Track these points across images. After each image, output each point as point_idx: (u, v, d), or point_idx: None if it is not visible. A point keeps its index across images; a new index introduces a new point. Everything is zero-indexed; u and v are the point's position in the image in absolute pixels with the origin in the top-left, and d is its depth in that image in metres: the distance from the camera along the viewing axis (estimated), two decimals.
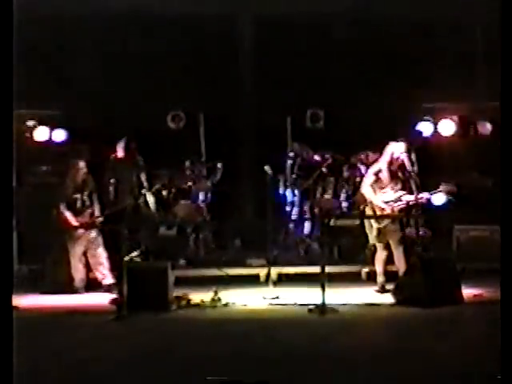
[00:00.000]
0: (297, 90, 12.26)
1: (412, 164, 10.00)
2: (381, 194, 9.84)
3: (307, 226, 11.96)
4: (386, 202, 9.81)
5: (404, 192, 9.83)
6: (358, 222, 11.17)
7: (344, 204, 11.99)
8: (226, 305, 9.14)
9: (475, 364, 6.01)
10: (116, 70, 12.09)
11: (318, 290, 8.58)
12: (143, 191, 11.82)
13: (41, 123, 11.96)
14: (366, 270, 10.98)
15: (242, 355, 6.64)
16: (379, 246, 9.98)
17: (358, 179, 11.78)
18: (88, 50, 12.16)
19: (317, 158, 12.02)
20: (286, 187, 12.12)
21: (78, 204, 10.70)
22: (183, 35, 12.28)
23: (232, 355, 6.63)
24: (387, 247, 9.89)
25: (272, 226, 11.03)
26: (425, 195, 9.84)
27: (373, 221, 9.93)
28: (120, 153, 11.68)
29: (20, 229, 11.42)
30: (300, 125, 12.46)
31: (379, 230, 9.85)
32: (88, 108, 12.01)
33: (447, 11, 11.82)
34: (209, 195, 12.05)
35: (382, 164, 9.91)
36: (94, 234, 10.65)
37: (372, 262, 10.27)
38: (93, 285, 10.60)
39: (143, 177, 11.88)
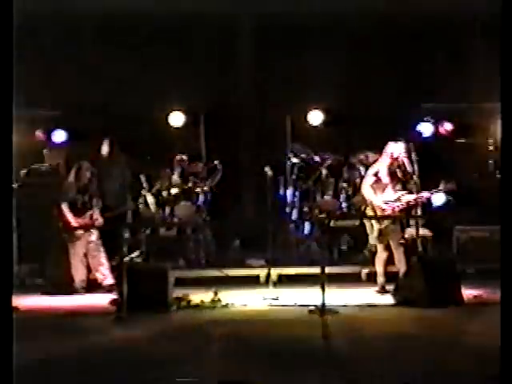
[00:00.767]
0: (297, 90, 12.26)
1: (412, 164, 9.99)
2: (381, 195, 9.84)
3: (307, 226, 11.96)
4: (386, 203, 9.81)
5: (404, 192, 9.83)
6: (357, 222, 11.18)
7: (344, 205, 11.99)
8: (225, 305, 9.13)
9: (475, 364, 6.01)
10: (116, 69, 12.08)
11: (318, 290, 8.57)
12: (143, 192, 11.81)
13: (40, 124, 11.97)
14: (366, 270, 10.97)
15: (241, 356, 6.64)
16: (379, 247, 9.97)
17: (357, 180, 11.80)
18: (87, 49, 12.16)
19: (317, 158, 12.03)
20: (285, 188, 12.13)
21: (79, 205, 10.70)
22: (183, 34, 12.29)
23: (232, 356, 6.63)
24: (387, 248, 9.89)
25: (272, 226, 11.03)
26: (425, 195, 9.84)
27: (373, 221, 9.94)
28: (104, 152, 11.65)
29: (20, 229, 11.42)
30: (300, 125, 12.46)
31: (380, 231, 9.85)
32: (87, 108, 12.00)
33: (447, 10, 11.83)
34: (209, 196, 12.04)
35: (382, 164, 9.91)
36: (94, 234, 10.65)
37: (372, 263, 10.27)
38: (93, 285, 10.59)
39: (143, 177, 11.87)
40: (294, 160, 12.09)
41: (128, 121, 12.07)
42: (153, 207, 11.82)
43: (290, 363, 6.31)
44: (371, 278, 10.49)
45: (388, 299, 9.26)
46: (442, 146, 12.06)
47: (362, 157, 11.90)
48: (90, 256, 10.65)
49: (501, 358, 5.18)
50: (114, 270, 10.30)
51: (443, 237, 11.44)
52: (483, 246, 11.00)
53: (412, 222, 10.38)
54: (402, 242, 9.80)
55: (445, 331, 7.56)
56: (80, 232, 10.61)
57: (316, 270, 8.96)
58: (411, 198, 9.82)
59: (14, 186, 11.08)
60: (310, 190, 12.06)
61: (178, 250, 11.55)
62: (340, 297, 9.32)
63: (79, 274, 10.58)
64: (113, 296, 9.30)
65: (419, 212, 10.40)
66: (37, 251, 11.09)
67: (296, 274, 10.97)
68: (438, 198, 11.09)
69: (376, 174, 9.90)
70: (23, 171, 11.61)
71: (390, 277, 9.82)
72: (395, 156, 9.85)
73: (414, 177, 9.91)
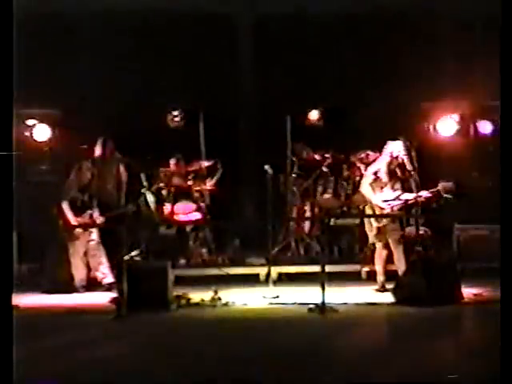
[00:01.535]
0: (297, 90, 12.25)
1: (412, 163, 10.00)
2: (380, 193, 9.84)
3: (307, 225, 11.95)
4: (386, 201, 9.82)
5: (403, 191, 9.83)
6: (357, 221, 11.18)
7: (344, 203, 11.99)
8: (225, 304, 9.13)
9: (475, 364, 6.01)
10: (115, 69, 12.08)
11: (318, 289, 8.59)
12: (143, 190, 11.81)
13: (41, 123, 11.96)
14: (365, 269, 10.97)
15: (241, 354, 6.64)
16: (379, 245, 9.98)
17: (357, 178, 11.80)
18: (87, 48, 12.15)
19: (317, 157, 12.02)
20: (286, 186, 12.12)
21: (79, 204, 10.70)
22: (183, 34, 12.28)
23: (232, 354, 6.64)
24: (387, 246, 9.90)
25: (272, 225, 11.02)
26: (424, 194, 9.85)
27: (372, 220, 9.94)
28: (98, 151, 11.61)
29: (20, 228, 11.41)
30: (300, 125, 12.46)
31: (379, 229, 9.86)
32: (87, 107, 12.00)
33: (447, 8, 11.82)
34: (209, 194, 12.03)
35: (382, 163, 9.92)
36: (93, 233, 10.65)
37: (372, 262, 10.27)
38: (93, 284, 10.59)
39: (143, 176, 11.86)
40: (294, 158, 12.08)
41: (127, 120, 12.06)
42: (153, 206, 11.81)
43: (289, 362, 6.31)
44: (371, 277, 10.49)
45: (388, 297, 9.26)
46: (442, 144, 12.05)
47: (361, 155, 11.91)
48: (89, 255, 10.65)
49: (501, 358, 5.19)
50: (113, 268, 10.30)
51: (443, 235, 11.44)
52: (483, 244, 11.00)
53: (412, 220, 10.39)
54: (401, 240, 9.81)
55: (444, 329, 7.57)
56: (80, 231, 10.61)
57: (316, 268, 8.98)
58: (410, 196, 9.83)
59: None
60: (310, 188, 12.05)
61: (177, 248, 11.54)
62: (340, 295, 9.33)
63: (79, 273, 10.57)
64: (113, 294, 9.30)
65: (419, 211, 10.43)
66: (37, 250, 11.09)
67: (296, 273, 10.97)
68: (438, 196, 11.08)
69: (375, 173, 9.91)
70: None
71: (390, 275, 9.83)
72: (395, 155, 9.86)
73: (414, 176, 9.91)
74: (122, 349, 6.99)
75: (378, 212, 9.86)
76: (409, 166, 9.90)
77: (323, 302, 8.55)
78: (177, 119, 12.30)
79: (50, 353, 6.77)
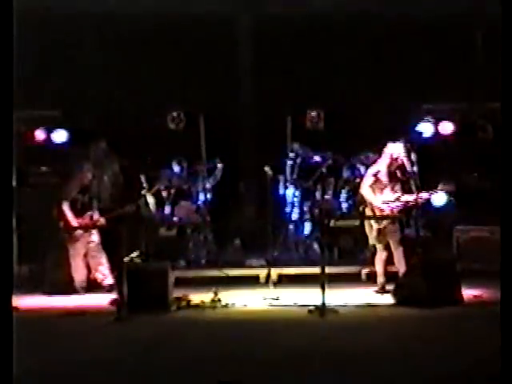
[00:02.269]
0: (297, 91, 12.26)
1: (412, 165, 9.99)
2: (380, 195, 9.84)
3: (307, 226, 11.96)
4: (386, 203, 9.81)
5: (403, 193, 9.83)
6: (357, 222, 11.18)
7: (344, 205, 12.00)
8: (225, 305, 9.13)
9: (475, 365, 6.01)
10: (116, 70, 12.08)
11: (318, 290, 8.58)
12: (143, 192, 11.81)
13: (41, 124, 11.97)
14: (365, 270, 10.97)
15: (241, 356, 6.64)
16: (379, 247, 9.97)
17: (357, 180, 11.80)
18: (87, 49, 12.15)
19: (317, 158, 12.02)
20: (286, 188, 12.13)
21: (80, 205, 10.70)
22: (183, 35, 12.28)
23: (232, 356, 6.63)
24: (387, 248, 9.89)
25: (272, 226, 11.02)
26: (424, 195, 9.84)
27: (373, 221, 9.93)
28: (91, 155, 11.56)
29: (20, 229, 11.42)
30: (300, 125, 12.46)
31: (379, 231, 9.86)
32: (88, 109, 12.00)
33: (447, 10, 11.83)
34: (209, 195, 12.04)
35: (382, 165, 9.92)
36: (94, 235, 10.65)
37: (372, 263, 10.27)
38: (93, 285, 10.59)
39: (143, 178, 11.87)
40: (295, 160, 12.08)
41: (128, 121, 12.07)
42: (153, 207, 11.81)
43: (289, 363, 6.31)
44: (371, 278, 10.49)
45: (388, 299, 9.26)
46: (442, 146, 12.05)
47: (362, 157, 11.92)
48: (89, 256, 10.65)
49: (501, 358, 5.19)
50: (113, 270, 10.29)
51: (443, 237, 11.44)
52: (483, 245, 11.00)
53: (412, 222, 10.39)
54: (401, 242, 9.81)
55: (444, 331, 7.57)
56: (80, 232, 10.61)
57: (316, 269, 8.97)
58: (410, 198, 9.82)
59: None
60: (310, 189, 12.06)
61: (178, 249, 11.54)
62: (340, 297, 9.33)
63: (79, 274, 10.57)
64: (113, 296, 9.30)
65: (419, 212, 10.43)
66: (37, 251, 11.09)
67: (296, 274, 10.96)
68: (439, 199, 11.07)
69: (375, 175, 9.91)
70: None
71: (390, 277, 9.83)
72: (395, 156, 9.86)
73: (414, 177, 9.91)
74: (121, 350, 6.99)
75: (377, 213, 9.86)
76: (409, 168, 9.89)
77: (323, 304, 8.55)
78: (177, 121, 12.31)
79: (50, 354, 6.77)
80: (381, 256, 9.96)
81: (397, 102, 11.88)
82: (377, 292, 9.89)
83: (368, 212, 9.99)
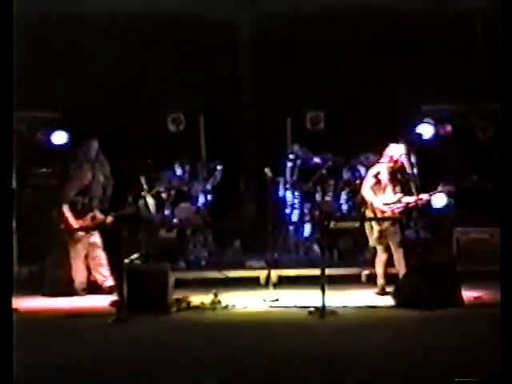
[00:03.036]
0: (297, 92, 12.26)
1: (412, 166, 10.00)
2: (381, 196, 9.84)
3: (307, 228, 11.96)
4: (386, 204, 9.81)
5: (404, 194, 9.83)
6: (357, 224, 11.18)
7: (344, 206, 12.00)
8: (225, 307, 9.13)
9: (475, 365, 6.01)
10: (116, 71, 12.08)
11: (318, 292, 8.58)
12: (143, 193, 11.82)
13: (41, 125, 11.97)
14: (366, 272, 10.96)
15: (241, 357, 6.64)
16: (379, 249, 9.97)
17: (358, 181, 11.81)
18: (87, 51, 12.16)
19: (317, 160, 12.02)
20: (286, 189, 12.12)
21: (80, 207, 10.69)
22: (183, 36, 12.28)
23: (232, 357, 6.63)
24: (387, 249, 9.89)
25: (272, 228, 11.01)
26: (425, 197, 9.85)
27: (373, 223, 9.93)
28: (82, 157, 11.52)
29: (20, 230, 11.42)
30: (300, 126, 12.47)
31: (380, 233, 9.86)
32: (88, 110, 12.00)
33: (447, 10, 11.84)
34: (209, 197, 12.04)
35: (382, 166, 9.92)
36: (94, 236, 10.65)
37: (372, 265, 10.27)
38: (93, 287, 10.59)
39: (143, 179, 11.87)
40: (295, 161, 12.08)
41: (128, 123, 12.06)
42: (153, 209, 11.81)
43: (289, 365, 6.31)
44: (371, 280, 10.49)
45: (388, 301, 9.26)
46: (442, 147, 12.05)
47: (362, 158, 11.93)
48: (90, 257, 10.64)
49: (501, 358, 5.19)
50: (114, 271, 10.29)
51: (443, 238, 11.44)
52: (483, 247, 11.00)
53: (412, 223, 10.39)
54: (401, 243, 9.81)
55: (444, 332, 7.57)
56: (81, 234, 10.60)
57: (316, 271, 8.96)
58: (411, 199, 9.82)
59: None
60: (310, 191, 12.06)
61: (178, 251, 11.54)
62: (340, 298, 9.32)
63: (79, 276, 10.56)
64: (113, 297, 9.30)
65: (419, 214, 10.43)
66: (37, 253, 11.09)
67: (296, 276, 10.95)
68: (439, 200, 11.08)
69: (376, 176, 9.91)
70: None
71: (390, 278, 9.82)
72: (395, 158, 9.87)
73: (414, 179, 9.92)
74: (121, 352, 6.99)
75: (378, 215, 9.86)
76: (409, 170, 9.90)
77: (323, 305, 8.55)
78: (177, 122, 12.31)
79: (50, 355, 6.77)
80: (381, 258, 9.97)
81: (397, 103, 11.88)
82: (377, 294, 9.89)
83: (369, 213, 9.99)
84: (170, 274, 9.19)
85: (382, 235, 9.85)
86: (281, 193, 12.12)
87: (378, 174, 9.90)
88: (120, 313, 8.56)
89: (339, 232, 11.51)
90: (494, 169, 11.13)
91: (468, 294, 9.23)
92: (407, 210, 9.92)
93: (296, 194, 12.10)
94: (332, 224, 10.86)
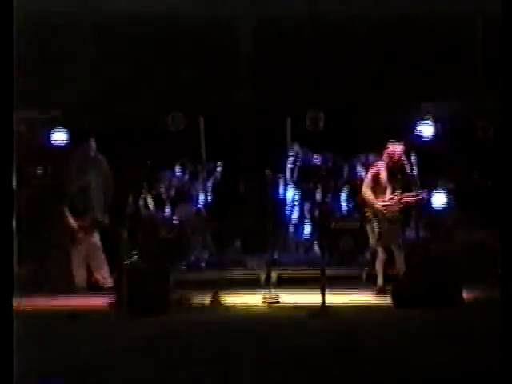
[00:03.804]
0: (297, 92, 12.26)
1: (411, 165, 10.02)
2: (381, 196, 9.84)
3: (307, 228, 11.96)
4: (387, 205, 9.81)
5: (404, 193, 9.84)
6: (357, 224, 11.19)
7: (344, 206, 12.00)
8: (226, 307, 9.13)
9: (475, 365, 6.01)
10: (116, 71, 12.09)
11: (318, 292, 8.58)
12: (143, 193, 11.82)
13: (41, 124, 11.99)
14: (365, 272, 10.96)
15: (241, 357, 6.64)
16: (380, 248, 9.97)
17: (358, 181, 11.83)
18: (88, 50, 12.17)
19: (317, 160, 12.03)
20: (286, 189, 12.13)
21: (80, 207, 10.70)
22: (183, 36, 12.29)
23: (232, 357, 6.63)
24: (387, 249, 9.88)
25: (272, 228, 11.02)
26: (425, 195, 9.85)
27: (375, 223, 9.92)
28: (80, 156, 11.50)
29: (21, 230, 11.42)
30: (300, 127, 12.47)
31: (380, 233, 9.85)
32: (88, 110, 12.01)
33: (446, 9, 11.85)
34: (209, 197, 12.04)
35: (382, 166, 9.92)
36: (94, 236, 10.66)
37: (372, 265, 10.27)
38: (94, 286, 10.60)
39: (143, 179, 11.87)
40: (295, 161, 12.09)
41: (128, 123, 12.07)
42: (153, 209, 11.82)
43: (289, 365, 6.31)
44: (371, 280, 10.49)
45: (388, 301, 9.26)
46: (442, 146, 12.06)
47: (361, 158, 11.95)
48: (90, 257, 10.65)
49: (501, 359, 5.18)
50: (114, 271, 10.30)
51: (443, 238, 11.44)
52: (483, 246, 11.00)
53: (412, 223, 10.39)
54: (402, 243, 9.82)
55: (444, 332, 7.57)
56: (81, 234, 10.61)
57: (316, 271, 8.97)
58: (411, 198, 9.82)
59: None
60: (310, 191, 12.06)
61: (178, 251, 11.54)
62: (340, 298, 9.32)
63: (80, 275, 10.58)
64: (113, 297, 9.30)
65: (419, 213, 10.45)
66: (38, 252, 11.10)
67: (296, 276, 10.96)
68: (439, 200, 11.09)
69: (376, 176, 9.91)
70: None
71: (390, 278, 9.82)
72: (395, 157, 9.87)
73: (413, 178, 9.93)
74: (121, 351, 6.99)
75: (379, 215, 9.85)
76: (408, 169, 9.91)
77: (323, 305, 8.55)
78: (177, 122, 12.31)
79: (50, 354, 6.77)
80: (381, 257, 9.96)
81: (397, 102, 11.89)
82: (377, 293, 9.89)
83: (369, 214, 9.97)
84: (171, 275, 9.19)
85: (383, 235, 9.85)
86: (281, 193, 12.13)
87: (378, 174, 9.90)
88: (120, 313, 8.57)
89: (339, 232, 11.52)
90: (494, 168, 11.18)
91: (468, 294, 9.22)
92: (408, 208, 9.92)
93: (296, 194, 12.11)
94: (332, 224, 10.88)
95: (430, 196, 10.00)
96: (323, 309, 8.50)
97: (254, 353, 6.81)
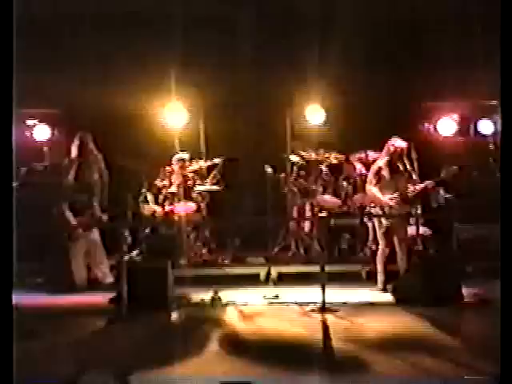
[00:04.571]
0: (297, 88, 12.25)
1: (412, 163, 10.01)
2: (386, 191, 9.81)
3: (307, 225, 11.96)
4: (393, 199, 9.78)
5: (407, 186, 9.83)
6: (357, 221, 11.18)
7: (344, 203, 12.00)
8: (225, 304, 9.14)
9: (475, 364, 6.02)
10: (115, 69, 12.08)
11: (318, 289, 8.59)
12: (143, 190, 11.82)
13: (40, 122, 11.98)
14: (366, 269, 10.96)
15: (241, 355, 6.65)
16: (382, 244, 9.92)
17: (357, 178, 11.84)
18: (87, 47, 12.15)
19: (317, 156, 12.02)
20: (285, 186, 12.13)
21: (79, 204, 10.69)
22: (183, 33, 12.28)
23: (232, 354, 6.64)
24: (389, 245, 9.85)
25: (272, 225, 11.02)
26: (429, 184, 9.86)
27: (383, 218, 9.87)
28: (74, 153, 11.45)
29: (20, 228, 11.40)
30: (300, 123, 12.46)
31: (387, 227, 9.79)
32: (88, 107, 12.00)
33: (446, 8, 11.84)
34: (209, 194, 12.04)
35: (383, 161, 9.91)
36: (94, 233, 10.66)
37: (373, 261, 10.26)
38: (93, 284, 10.59)
39: (143, 176, 11.86)
40: (294, 158, 12.09)
41: (127, 119, 12.07)
42: (152, 206, 11.82)
43: (289, 362, 6.32)
44: (371, 277, 10.48)
45: (388, 297, 9.26)
46: (443, 144, 12.07)
47: (361, 155, 11.94)
48: (90, 254, 10.65)
49: (501, 358, 5.19)
50: (113, 268, 10.30)
51: (443, 234, 11.44)
52: (483, 243, 11.00)
53: (412, 219, 10.38)
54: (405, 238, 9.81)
55: (444, 329, 7.58)
56: (80, 231, 10.61)
57: (316, 268, 8.97)
58: (416, 188, 9.82)
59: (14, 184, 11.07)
60: (310, 188, 12.06)
61: (177, 248, 11.54)
62: (340, 295, 9.33)
63: (79, 273, 10.57)
64: (113, 294, 9.30)
65: (419, 210, 10.45)
66: (37, 249, 11.09)
67: (296, 273, 10.96)
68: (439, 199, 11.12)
69: (378, 172, 9.90)
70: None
71: (390, 275, 9.82)
72: (395, 151, 9.85)
73: (414, 175, 9.95)
74: (121, 349, 7.00)
75: (386, 210, 9.80)
76: (409, 166, 9.92)
77: (323, 302, 8.56)
78: (177, 119, 12.31)
79: (49, 352, 6.78)
80: (382, 254, 9.93)
81: (397, 99, 11.88)
82: (377, 290, 9.89)
83: (375, 210, 9.93)
84: (170, 271, 9.19)
85: (389, 230, 9.79)
86: (280, 190, 12.13)
87: (381, 169, 9.89)
88: (120, 310, 8.58)
89: (339, 229, 11.52)
90: (495, 165, 11.18)
91: (468, 291, 9.23)
92: (415, 198, 9.92)
93: (296, 190, 12.11)
94: (332, 221, 10.88)
95: (434, 183, 9.96)
96: (323, 305, 8.52)
97: (254, 349, 6.83)
